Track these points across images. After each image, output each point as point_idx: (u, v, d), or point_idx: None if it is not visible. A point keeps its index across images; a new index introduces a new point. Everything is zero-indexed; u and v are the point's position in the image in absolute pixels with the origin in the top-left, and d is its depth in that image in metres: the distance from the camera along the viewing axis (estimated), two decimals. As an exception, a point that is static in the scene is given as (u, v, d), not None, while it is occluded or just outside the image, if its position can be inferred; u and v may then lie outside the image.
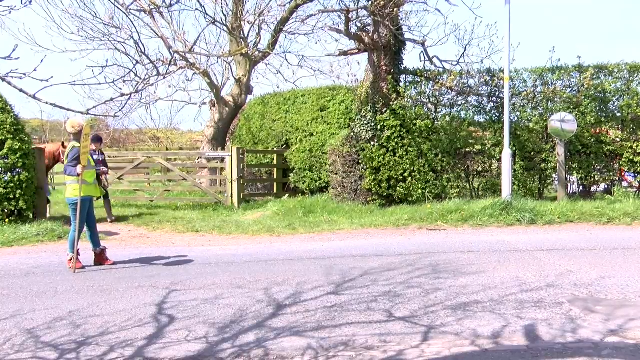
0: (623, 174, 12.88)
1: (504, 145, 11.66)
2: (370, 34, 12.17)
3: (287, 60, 16.85)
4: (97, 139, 11.93)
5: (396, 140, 12.37)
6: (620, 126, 12.79)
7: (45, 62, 3.50)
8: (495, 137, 12.62)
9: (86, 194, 7.72)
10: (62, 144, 11.31)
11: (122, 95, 5.14)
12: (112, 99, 5.62)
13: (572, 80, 12.65)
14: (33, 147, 11.83)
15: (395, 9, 11.13)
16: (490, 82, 12.75)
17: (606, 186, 13.21)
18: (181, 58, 14.27)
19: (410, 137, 12.43)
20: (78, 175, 7.61)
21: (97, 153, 11.42)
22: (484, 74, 12.77)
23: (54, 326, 5.22)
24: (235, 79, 17.24)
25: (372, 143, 12.41)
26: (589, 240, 8.84)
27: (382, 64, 12.45)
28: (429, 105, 13.00)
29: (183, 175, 15.59)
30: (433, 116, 12.99)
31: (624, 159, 12.48)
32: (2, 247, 9.51)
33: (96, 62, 15.70)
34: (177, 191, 16.14)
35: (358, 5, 11.81)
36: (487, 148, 12.74)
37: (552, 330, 4.71)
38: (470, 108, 13.15)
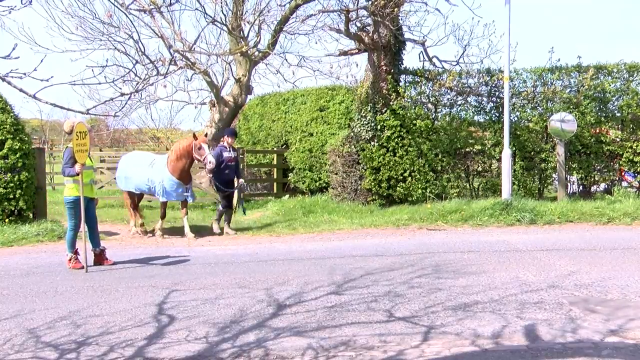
0: (623, 173, 12.88)
1: (503, 145, 11.66)
2: (370, 34, 12.17)
3: (287, 60, 16.79)
4: (233, 134, 11.24)
5: (396, 140, 12.36)
6: (620, 126, 12.80)
7: (45, 62, 3.50)
8: (495, 137, 12.62)
9: (84, 194, 7.66)
10: (194, 136, 10.21)
11: (122, 95, 5.13)
12: (112, 99, 5.62)
13: (571, 80, 12.65)
14: (33, 147, 11.81)
15: (395, 9, 11.13)
16: (490, 82, 12.76)
17: (606, 186, 13.21)
18: (181, 57, 14.26)
19: (410, 137, 12.43)
20: (77, 174, 7.56)
21: (229, 149, 10.77)
22: (484, 74, 12.77)
23: (54, 326, 5.21)
24: (235, 79, 17.22)
25: (372, 143, 12.41)
26: (589, 241, 8.85)
27: (382, 64, 12.44)
28: (429, 105, 13.00)
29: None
30: (433, 116, 12.99)
31: (623, 159, 12.48)
32: (2, 247, 9.50)
33: (96, 62, 15.72)
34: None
35: (358, 5, 11.80)
36: (487, 148, 12.74)
37: (552, 330, 4.71)
38: (470, 108, 13.15)
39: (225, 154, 10.72)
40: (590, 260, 7.39)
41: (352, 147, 12.58)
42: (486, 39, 12.36)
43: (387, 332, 4.78)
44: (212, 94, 17.48)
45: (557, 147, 12.20)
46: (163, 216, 10.54)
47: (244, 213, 11.35)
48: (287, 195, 15.24)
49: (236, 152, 11.11)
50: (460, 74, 12.64)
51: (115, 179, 11.32)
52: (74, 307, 5.80)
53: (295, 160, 15.68)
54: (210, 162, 9.94)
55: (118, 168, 11.01)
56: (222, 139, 11.18)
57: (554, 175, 12.81)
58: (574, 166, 12.58)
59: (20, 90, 3.63)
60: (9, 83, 3.53)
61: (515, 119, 12.74)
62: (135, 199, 10.88)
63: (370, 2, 11.48)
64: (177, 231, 10.81)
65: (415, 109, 12.82)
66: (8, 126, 10.96)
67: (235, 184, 11.00)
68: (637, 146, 12.37)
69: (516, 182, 12.42)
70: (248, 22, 15.25)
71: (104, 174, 15.60)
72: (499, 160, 12.17)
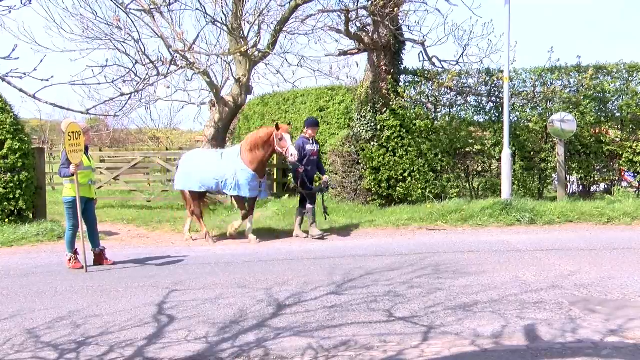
0: (623, 173, 12.88)
1: (503, 145, 11.66)
2: (370, 34, 12.17)
3: (287, 60, 16.81)
4: (314, 124, 10.07)
5: (396, 140, 12.36)
6: (619, 126, 12.80)
7: (45, 62, 3.50)
8: (495, 137, 12.62)
9: (80, 195, 7.65)
10: (277, 126, 9.42)
11: (122, 95, 5.15)
12: (111, 99, 5.63)
13: (571, 80, 12.65)
14: (33, 147, 11.81)
15: (395, 9, 11.13)
16: (490, 82, 12.76)
17: (606, 186, 13.21)
18: (181, 57, 14.26)
19: (410, 137, 12.43)
20: (72, 175, 7.53)
21: (311, 142, 9.83)
22: (484, 74, 12.77)
23: (54, 326, 5.21)
24: (235, 78, 17.21)
25: (372, 143, 12.41)
26: (589, 240, 8.85)
27: (381, 64, 12.44)
28: (429, 105, 13.00)
29: (182, 175, 15.58)
30: (433, 116, 12.99)
31: (623, 159, 12.48)
32: (2, 247, 9.50)
33: (96, 62, 15.69)
34: (175, 191, 16.10)
35: (358, 5, 11.80)
36: (486, 148, 12.74)
37: (552, 330, 4.72)
38: (470, 108, 13.15)
39: (308, 147, 9.74)
40: (590, 260, 7.40)
41: (352, 147, 12.58)
42: (486, 38, 12.38)
43: (387, 332, 4.79)
44: (212, 94, 17.47)
45: (557, 147, 12.21)
46: (245, 215, 9.72)
47: (327, 215, 10.07)
48: (287, 195, 15.23)
49: (319, 145, 10.14)
50: (460, 73, 12.64)
51: (172, 180, 10.40)
52: (73, 307, 5.80)
53: (295, 160, 15.67)
54: (292, 155, 9.19)
55: (178, 169, 10.27)
56: (303, 131, 10.09)
57: (553, 175, 12.81)
58: (573, 166, 12.58)
59: (20, 90, 3.63)
60: (9, 83, 3.53)
61: (515, 119, 12.74)
62: (197, 198, 10.06)
63: (370, 2, 11.47)
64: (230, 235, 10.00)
65: (415, 109, 12.82)
66: (8, 126, 10.96)
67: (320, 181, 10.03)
68: (636, 146, 12.37)
69: (516, 182, 12.42)
70: (248, 22, 15.25)
71: (103, 174, 15.59)
72: (499, 160, 12.17)
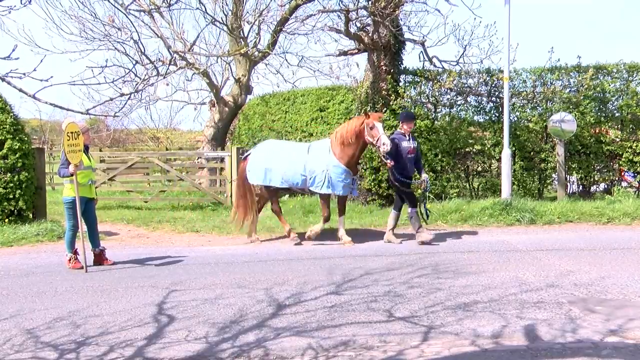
0: (623, 173, 12.88)
1: (503, 145, 11.66)
2: (370, 34, 12.17)
3: (286, 60, 16.83)
4: (409, 118, 9.06)
5: (396, 140, 12.35)
6: (619, 126, 12.80)
7: (44, 62, 3.51)
8: (495, 137, 12.62)
9: (80, 195, 7.63)
10: (366, 114, 8.68)
11: (122, 95, 5.15)
12: (111, 99, 5.62)
13: (571, 80, 12.65)
14: (33, 147, 11.81)
15: (395, 9, 11.13)
16: (490, 82, 12.76)
17: (606, 186, 13.21)
18: (181, 58, 14.27)
19: (409, 137, 12.42)
20: (71, 175, 7.53)
21: (408, 137, 8.87)
22: (484, 74, 12.77)
23: (54, 326, 5.21)
24: (234, 79, 17.23)
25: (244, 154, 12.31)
26: (589, 240, 8.84)
27: (381, 64, 12.44)
28: (429, 105, 13.00)
29: (180, 175, 15.57)
30: (433, 116, 12.99)
31: (623, 159, 12.48)
32: (2, 247, 9.50)
33: (96, 62, 15.71)
34: (175, 191, 16.10)
35: (358, 5, 11.80)
36: (486, 148, 12.74)
37: (552, 330, 4.71)
38: (470, 108, 13.16)
39: (404, 144, 8.79)
40: (590, 260, 7.39)
41: (352, 147, 12.56)
42: (486, 39, 12.35)
43: (387, 332, 4.78)
44: (212, 94, 17.50)
45: (557, 147, 12.21)
46: (327, 218, 9.11)
47: (427, 218, 9.25)
48: (287, 195, 15.22)
49: (417, 142, 9.16)
50: (460, 74, 12.64)
51: (247, 172, 9.40)
52: (73, 307, 5.80)
53: (295, 160, 15.67)
54: (384, 144, 8.33)
55: (252, 160, 9.38)
56: (399, 126, 9.18)
57: (553, 175, 12.81)
58: (573, 166, 12.58)
59: (20, 90, 3.64)
60: (9, 83, 3.54)
61: (515, 119, 12.74)
62: (275, 194, 9.49)
63: (370, 2, 11.47)
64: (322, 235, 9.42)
65: (415, 109, 12.81)
66: (8, 126, 10.96)
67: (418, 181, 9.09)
68: (636, 146, 12.37)
69: (516, 182, 12.41)
70: (248, 22, 15.27)
71: (98, 175, 15.54)
72: (499, 160, 12.17)
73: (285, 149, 9.33)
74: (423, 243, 8.68)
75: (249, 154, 9.62)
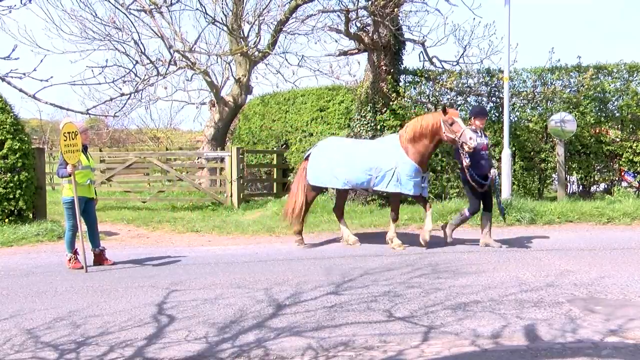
0: (623, 173, 12.88)
1: (503, 145, 11.66)
2: (370, 34, 12.17)
3: (286, 60, 16.83)
4: (482, 112, 8.55)
5: (396, 140, 12.35)
6: (619, 126, 12.80)
7: (45, 63, 3.50)
8: (495, 137, 12.62)
9: (79, 195, 7.64)
10: (444, 110, 8.10)
11: (122, 95, 5.14)
12: (111, 99, 5.62)
13: (571, 80, 12.66)
14: (33, 147, 11.81)
15: (395, 9, 11.13)
16: (490, 82, 12.76)
17: (606, 186, 13.21)
18: (181, 57, 14.27)
19: (410, 137, 12.42)
20: (69, 175, 7.53)
21: (480, 134, 8.38)
22: (484, 74, 12.77)
23: (54, 326, 5.21)
24: (235, 79, 17.24)
25: (305, 153, 12.34)
26: (589, 240, 8.84)
27: (381, 64, 12.44)
28: (429, 105, 13.00)
29: (179, 175, 15.56)
30: (433, 116, 12.98)
31: (623, 159, 12.48)
32: (2, 247, 9.50)
33: (96, 62, 15.73)
34: (175, 191, 16.10)
35: (358, 5, 11.80)
36: (487, 148, 12.73)
37: (552, 330, 4.71)
38: (470, 108, 13.15)
39: (478, 140, 8.14)
40: (590, 260, 7.39)
41: (352, 147, 12.56)
42: (486, 39, 12.38)
43: (386, 332, 4.78)
44: (212, 94, 17.51)
45: (557, 147, 12.21)
46: (395, 218, 8.67)
47: (505, 217, 8.99)
48: (287, 195, 15.23)
49: (487, 138, 8.59)
50: (460, 74, 12.64)
51: (307, 171, 8.88)
52: (73, 307, 5.80)
53: (295, 160, 15.68)
54: (470, 139, 7.76)
55: (314, 159, 8.86)
56: (469, 122, 8.62)
57: (553, 175, 12.81)
58: (573, 166, 12.58)
59: (20, 90, 3.63)
60: (9, 83, 3.54)
61: (515, 119, 12.74)
62: (314, 196, 9.07)
63: (370, 2, 11.48)
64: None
65: (415, 109, 12.81)
66: (8, 126, 10.97)
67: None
68: (636, 146, 12.37)
69: (516, 182, 12.41)
70: (248, 22, 15.28)
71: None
72: (499, 160, 12.17)
73: (348, 146, 8.81)
74: (487, 245, 8.40)
75: (310, 154, 9.09)
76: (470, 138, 7.79)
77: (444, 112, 8.10)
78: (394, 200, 8.74)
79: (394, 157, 8.22)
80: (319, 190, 9.13)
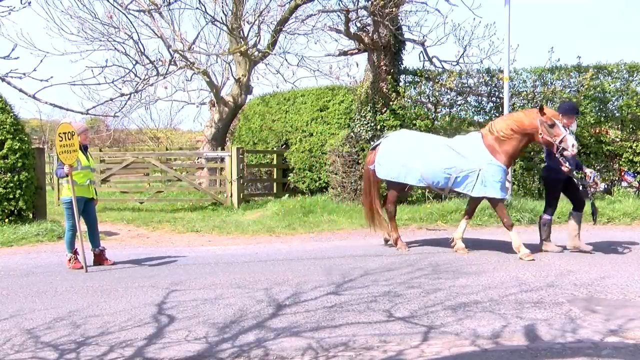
0: (623, 174, 12.88)
1: (503, 145, 11.63)
2: (370, 34, 12.17)
3: (286, 60, 16.87)
4: (573, 109, 7.83)
5: (396, 140, 12.35)
6: (619, 126, 12.80)
7: (44, 63, 3.51)
8: (495, 137, 12.61)
9: (78, 195, 7.63)
10: (541, 109, 7.40)
11: (122, 95, 5.15)
12: (111, 99, 5.62)
13: (571, 80, 12.66)
14: (33, 147, 11.81)
15: (395, 9, 11.14)
16: (490, 82, 12.76)
17: (606, 186, 13.20)
18: (181, 57, 14.27)
19: (410, 137, 12.42)
20: (66, 175, 7.52)
21: (570, 133, 7.57)
22: (484, 74, 12.77)
23: (54, 326, 5.21)
24: (234, 79, 17.25)
25: (372, 143, 12.40)
26: (589, 240, 8.83)
27: (381, 64, 12.45)
28: (429, 105, 13.01)
29: (178, 175, 15.55)
30: (433, 116, 13.00)
31: (623, 159, 12.48)
32: (2, 247, 9.50)
33: (96, 62, 15.73)
34: (174, 192, 16.09)
35: (358, 5, 11.81)
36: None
37: (552, 330, 4.71)
38: (470, 108, 13.17)
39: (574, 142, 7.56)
40: (590, 260, 7.39)
41: (352, 147, 12.58)
42: (486, 39, 12.40)
43: (386, 332, 4.78)
44: (212, 94, 17.52)
45: (557, 147, 12.19)
46: (510, 223, 7.90)
47: (595, 220, 8.35)
48: (287, 195, 15.24)
49: (574, 137, 7.76)
50: (460, 74, 12.65)
51: (374, 165, 8.30)
52: (73, 307, 5.80)
53: (295, 160, 15.69)
54: (573, 146, 7.22)
55: (384, 151, 8.22)
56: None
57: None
58: (573, 166, 12.57)
59: (20, 90, 3.64)
60: (9, 83, 3.54)
61: (515, 119, 12.73)
62: (397, 193, 8.43)
63: (370, 2, 11.48)
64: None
65: (415, 109, 12.82)
66: (8, 126, 10.97)
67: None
68: (636, 146, 12.37)
69: (516, 182, 12.41)
70: (248, 22, 15.29)
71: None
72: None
73: (424, 141, 8.14)
74: (577, 249, 7.89)
75: (379, 144, 8.46)
76: (573, 145, 7.24)
77: (541, 111, 7.40)
78: (473, 203, 8.16)
79: (478, 158, 7.59)
80: (402, 186, 8.33)
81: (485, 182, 7.56)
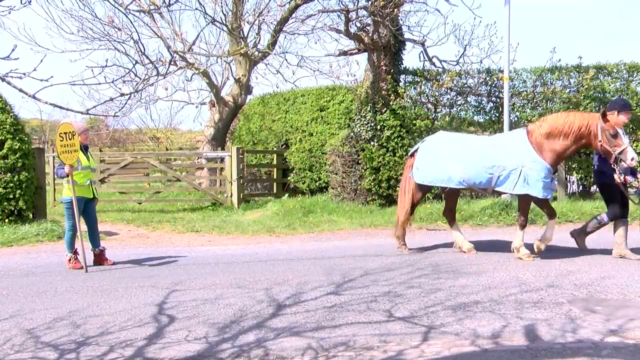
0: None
1: (503, 145, 11.62)
2: (370, 34, 12.17)
3: (286, 60, 16.86)
4: (628, 107, 7.45)
5: (396, 140, 12.36)
6: (619, 126, 12.79)
7: (45, 62, 3.50)
8: (495, 137, 12.61)
9: (78, 195, 7.64)
10: (603, 115, 7.00)
11: (122, 95, 5.15)
12: (111, 99, 5.63)
13: (571, 80, 12.67)
14: (33, 147, 11.81)
15: (395, 9, 11.14)
16: (490, 82, 12.76)
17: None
18: (180, 58, 14.28)
19: (410, 137, 12.43)
20: (67, 175, 7.52)
21: (623, 132, 7.10)
22: (484, 74, 12.77)
23: (54, 326, 5.21)
24: (234, 79, 17.25)
25: (372, 143, 12.41)
26: (589, 240, 8.82)
27: (381, 64, 12.45)
28: (429, 105, 13.01)
29: (177, 175, 15.54)
30: (433, 116, 13.00)
31: (623, 159, 12.46)
32: (2, 247, 9.51)
33: (96, 62, 15.73)
34: (174, 192, 16.08)
35: (358, 5, 11.81)
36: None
37: (552, 330, 4.71)
38: (470, 108, 13.17)
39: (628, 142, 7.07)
40: (590, 260, 7.39)
41: (352, 147, 12.58)
42: (487, 39, 12.40)
43: (386, 332, 4.78)
44: (212, 94, 17.52)
45: (557, 147, 12.19)
46: (524, 224, 7.63)
47: None
48: (287, 195, 15.24)
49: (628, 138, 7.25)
50: (460, 74, 12.65)
51: (414, 170, 8.05)
52: (73, 307, 5.80)
53: (295, 160, 15.69)
54: (632, 159, 6.86)
55: (422, 156, 7.99)
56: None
57: (553, 175, 12.79)
58: (573, 166, 12.58)
59: (20, 90, 3.64)
60: (9, 83, 3.54)
61: (515, 119, 12.73)
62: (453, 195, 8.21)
63: (370, 2, 11.48)
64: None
65: (415, 109, 12.82)
66: (8, 126, 10.97)
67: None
68: (637, 146, 12.37)
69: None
70: (248, 22, 15.29)
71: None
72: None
73: (462, 142, 7.90)
74: (622, 257, 7.44)
75: (417, 149, 8.23)
76: (632, 159, 6.87)
77: (604, 117, 6.99)
78: (523, 203, 7.69)
79: (521, 155, 7.26)
80: (428, 190, 8.36)
81: (528, 180, 7.22)
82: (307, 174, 15.43)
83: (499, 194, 8.38)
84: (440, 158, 7.76)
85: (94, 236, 7.97)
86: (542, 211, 7.84)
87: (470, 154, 7.58)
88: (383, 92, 12.46)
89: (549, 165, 7.25)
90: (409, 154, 8.67)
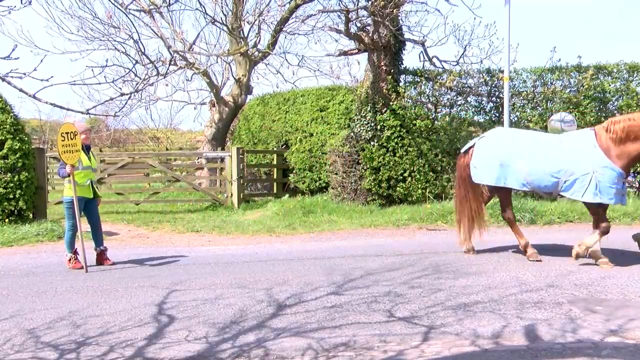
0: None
1: (503, 145, 11.62)
2: (370, 34, 12.17)
3: (286, 60, 16.86)
4: None
5: (396, 140, 12.37)
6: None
7: (45, 62, 3.50)
8: (495, 137, 12.60)
9: (79, 195, 7.64)
10: None
11: (122, 95, 5.15)
12: (112, 99, 5.63)
13: (571, 80, 12.66)
14: (33, 147, 11.81)
15: (395, 9, 11.13)
16: (490, 82, 12.76)
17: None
18: (181, 57, 14.28)
19: (410, 137, 12.43)
20: (68, 175, 7.53)
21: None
22: (484, 74, 12.77)
23: (54, 326, 5.21)
24: (235, 79, 17.25)
25: (372, 143, 12.41)
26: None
27: (382, 64, 12.44)
28: (429, 105, 13.00)
29: (177, 176, 15.53)
30: (433, 116, 12.99)
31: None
32: (2, 247, 9.50)
33: (96, 62, 15.73)
34: (174, 192, 16.05)
35: (358, 5, 11.81)
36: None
37: (552, 330, 4.71)
38: (470, 108, 13.16)
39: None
40: (590, 260, 7.38)
41: (352, 147, 12.58)
42: (486, 39, 12.39)
43: (387, 332, 4.78)
44: (212, 94, 17.52)
45: (557, 147, 12.18)
46: (603, 228, 7.03)
47: None
48: (287, 195, 15.24)
49: None
50: (460, 74, 12.65)
51: (471, 168, 7.58)
52: (73, 307, 5.80)
53: (295, 161, 15.68)
54: None
55: (479, 153, 7.52)
56: None
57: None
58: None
59: (20, 90, 3.63)
60: (9, 83, 3.54)
61: (515, 119, 12.73)
62: (509, 197, 7.73)
63: (370, 2, 11.48)
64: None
65: (415, 109, 12.81)
66: (8, 126, 10.98)
67: None
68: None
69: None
70: (248, 22, 15.30)
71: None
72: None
73: (524, 140, 7.36)
74: None
75: (473, 146, 7.74)
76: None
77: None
78: (595, 209, 7.17)
79: (591, 159, 6.77)
80: (509, 193, 7.72)
81: (600, 188, 6.72)
82: (307, 174, 15.42)
83: (561, 197, 8.02)
84: (501, 157, 7.26)
85: (97, 235, 7.96)
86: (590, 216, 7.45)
87: (532, 155, 7.12)
88: (383, 92, 12.46)
89: (621, 170, 6.76)
90: (462, 151, 8.13)
